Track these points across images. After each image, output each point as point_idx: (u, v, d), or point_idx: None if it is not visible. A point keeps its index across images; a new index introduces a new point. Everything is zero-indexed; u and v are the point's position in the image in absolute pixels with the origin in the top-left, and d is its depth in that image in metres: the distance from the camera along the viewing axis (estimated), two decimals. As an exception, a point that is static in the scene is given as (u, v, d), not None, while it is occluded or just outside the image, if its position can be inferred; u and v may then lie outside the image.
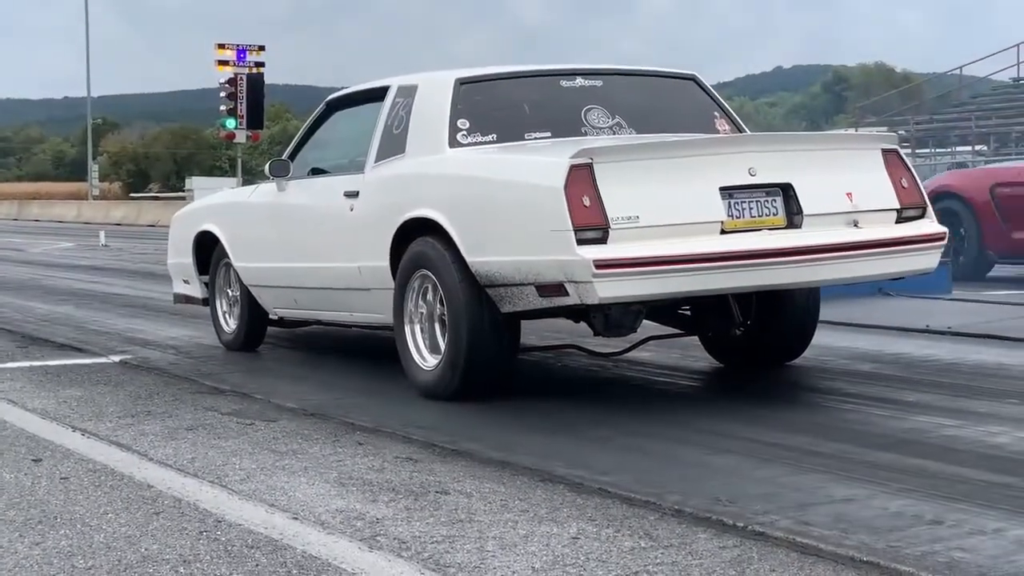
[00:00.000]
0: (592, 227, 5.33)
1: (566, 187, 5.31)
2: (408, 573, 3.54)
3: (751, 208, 5.71)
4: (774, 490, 4.35)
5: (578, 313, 6.10)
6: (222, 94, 38.18)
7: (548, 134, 6.49)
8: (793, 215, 5.79)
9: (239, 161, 42.46)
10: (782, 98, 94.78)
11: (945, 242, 6.22)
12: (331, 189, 7.10)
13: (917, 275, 6.33)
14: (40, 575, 3.57)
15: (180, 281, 9.04)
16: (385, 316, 6.61)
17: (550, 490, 4.45)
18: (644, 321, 6.24)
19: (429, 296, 6.23)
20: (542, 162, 5.84)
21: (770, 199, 5.76)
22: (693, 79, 7.16)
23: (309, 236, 7.37)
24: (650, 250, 5.37)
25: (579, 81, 6.82)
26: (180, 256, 8.87)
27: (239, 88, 37.70)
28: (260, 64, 38.53)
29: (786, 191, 5.78)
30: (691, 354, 7.53)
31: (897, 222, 6.07)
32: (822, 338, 7.48)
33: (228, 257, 8.20)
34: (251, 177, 47.83)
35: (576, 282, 5.32)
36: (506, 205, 5.75)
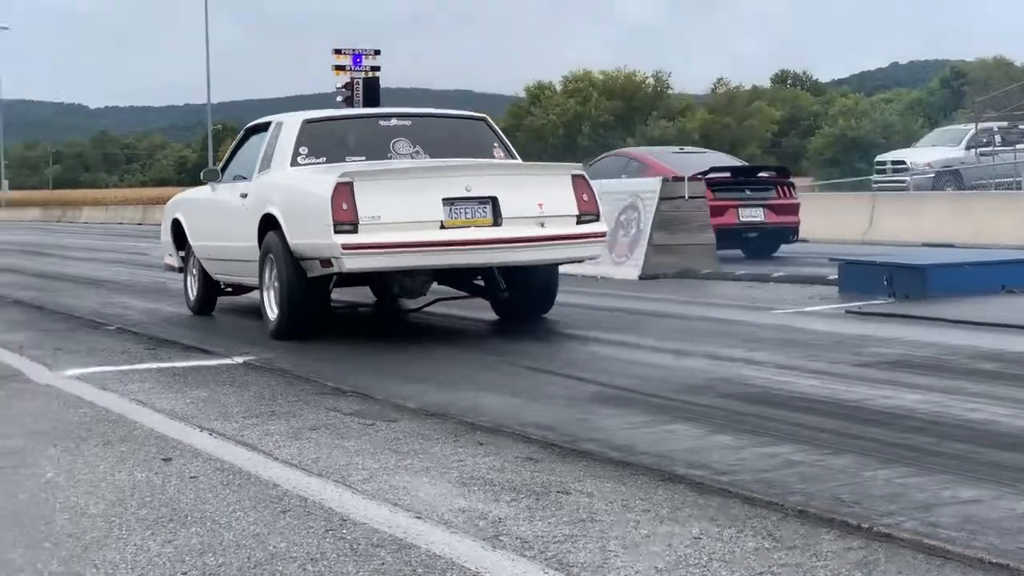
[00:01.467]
0: (346, 223, 8.03)
1: (332, 197, 8.05)
2: (531, 572, 3.55)
3: (466, 212, 8.31)
4: (898, 490, 4.28)
5: (377, 282, 9.38)
6: (338, 99, 38.57)
7: (363, 158, 9.19)
8: (497, 217, 8.36)
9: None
10: (898, 94, 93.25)
11: (606, 239, 9.01)
12: (235, 190, 9.88)
13: (586, 259, 9.36)
14: (172, 572, 3.64)
15: (167, 255, 11.92)
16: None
17: (671, 490, 4.44)
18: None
19: (274, 271, 8.81)
20: (323, 180, 8.36)
21: (481, 206, 8.33)
22: (484, 120, 9.93)
23: (226, 224, 9.97)
24: (383, 238, 8.05)
25: (393, 121, 9.55)
26: (164, 235, 11.83)
27: (355, 92, 38.08)
28: (376, 68, 38.90)
29: (494, 201, 8.36)
30: (792, 366, 7.44)
31: (577, 224, 8.67)
32: (944, 337, 7.37)
33: (187, 239, 10.97)
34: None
35: (336, 257, 8.06)
36: (305, 206, 8.45)
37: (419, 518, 4.15)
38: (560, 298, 9.92)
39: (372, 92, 38.59)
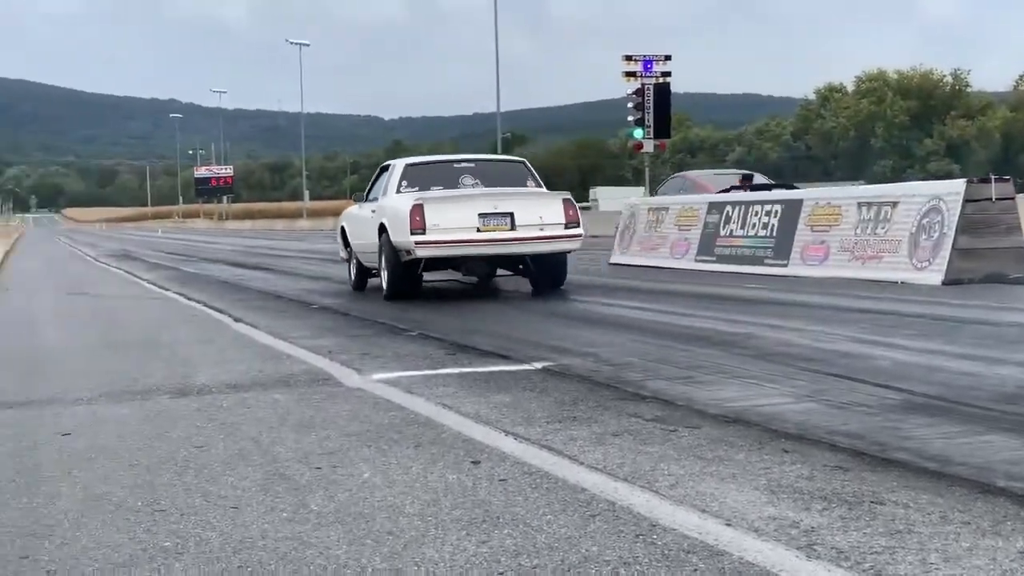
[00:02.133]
0: (418, 229, 12.72)
1: (410, 213, 12.63)
2: (848, 583, 3.49)
3: (493, 222, 12.93)
4: None
5: (452, 266, 14.07)
6: (629, 104, 38.82)
7: (441, 187, 14.00)
8: (512, 226, 12.93)
9: (646, 171, 42.91)
10: None
11: (580, 238, 13.51)
12: (368, 208, 14.83)
13: (570, 251, 13.73)
14: (490, 572, 3.74)
15: (340, 251, 16.93)
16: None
17: (991, 502, 4.28)
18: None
19: (384, 257, 13.64)
20: (407, 201, 13.08)
21: (503, 219, 12.87)
22: (522, 162, 15.04)
23: (365, 229, 14.71)
24: (440, 238, 12.71)
25: (462, 164, 14.63)
26: (338, 238, 16.91)
27: (646, 98, 38.23)
28: (667, 74, 38.96)
29: (511, 215, 12.93)
30: None
31: (564, 229, 13.18)
32: None
33: (348, 239, 16.10)
34: (656, 187, 48.31)
35: (412, 249, 12.72)
36: (397, 218, 13.06)
37: (729, 525, 4.14)
38: (857, 304, 9.72)
39: (663, 98, 38.63)
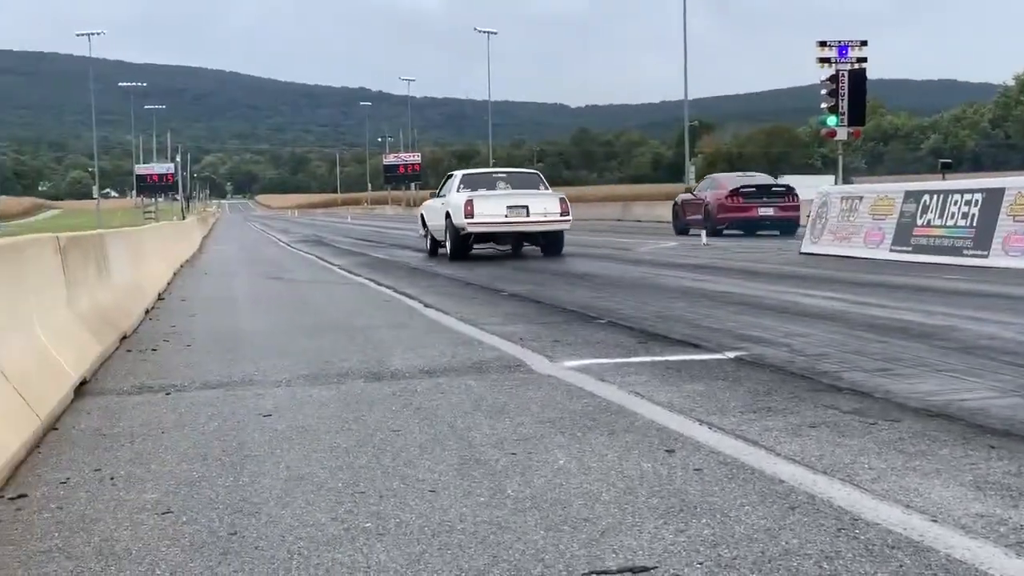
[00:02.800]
0: (468, 215, 21.24)
1: (463, 205, 21.22)
2: (1063, 585, 3.38)
3: (515, 212, 21.22)
4: None
5: (489, 241, 22.68)
6: (823, 91, 38.12)
7: (484, 190, 22.20)
8: (528, 214, 21.34)
9: (839, 159, 42.07)
10: None
11: (570, 222, 22.34)
12: (440, 201, 23.14)
13: (562, 230, 22.30)
14: (688, 562, 3.73)
15: (420, 231, 25.09)
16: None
17: None
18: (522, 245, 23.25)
19: (448, 233, 22.15)
20: (463, 198, 21.49)
21: (522, 209, 21.12)
22: (536, 173, 24.05)
23: (436, 215, 23.26)
24: (481, 221, 21.17)
25: (499, 174, 23.60)
26: (419, 222, 25.41)
27: (840, 85, 37.50)
28: (862, 60, 38.16)
29: (527, 207, 21.29)
30: None
31: (559, 217, 21.71)
32: None
33: (425, 221, 24.55)
34: (849, 175, 47.42)
35: (465, 227, 21.24)
36: (457, 208, 21.46)
37: (934, 521, 4.04)
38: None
39: (858, 84, 37.84)
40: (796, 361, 7.92)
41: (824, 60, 38.12)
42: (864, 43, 38.42)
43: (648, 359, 8.28)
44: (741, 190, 32.50)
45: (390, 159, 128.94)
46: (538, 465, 5.12)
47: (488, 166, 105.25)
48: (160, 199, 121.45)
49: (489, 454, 5.36)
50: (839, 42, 37.91)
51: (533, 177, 23.79)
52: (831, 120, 38.24)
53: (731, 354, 8.33)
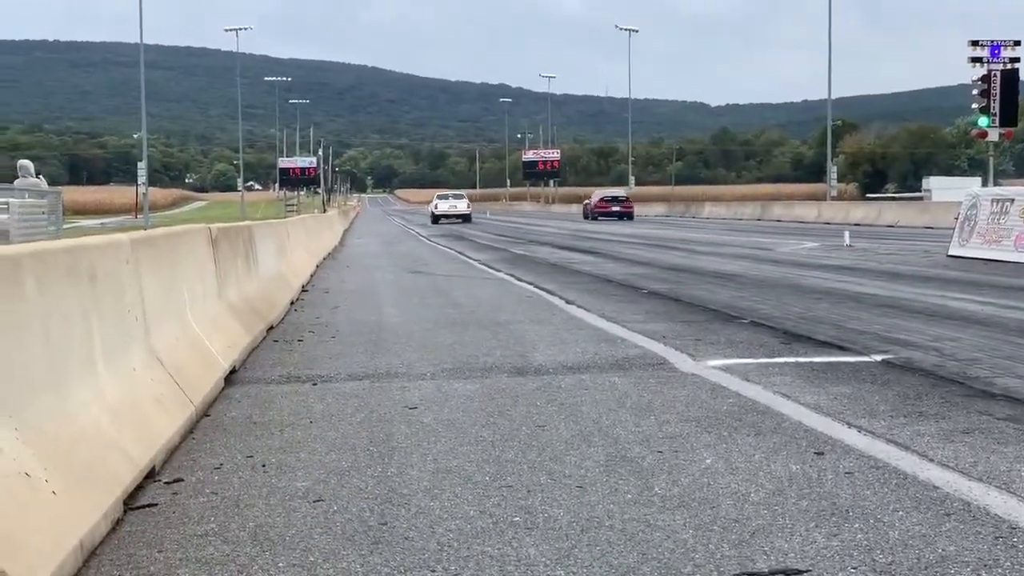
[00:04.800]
0: (434, 209, 64.34)
1: (435, 204, 65.43)
2: None
3: (453, 207, 63.72)
4: None
5: (445, 218, 63.94)
6: (974, 91, 37.32)
7: (449, 198, 66.41)
8: (459, 207, 64.63)
9: (989, 160, 41.09)
10: None
11: (471, 209, 65.88)
12: (434, 204, 67.90)
13: (467, 216, 63.55)
14: (842, 566, 3.68)
15: (431, 214, 64.53)
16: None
17: None
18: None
19: (431, 215, 65.49)
20: (435, 202, 65.85)
21: (457, 202, 64.52)
22: (464, 194, 70.09)
23: (432, 208, 66.42)
24: (441, 211, 63.64)
25: (450, 193, 69.78)
26: (430, 207, 67.00)
27: (992, 85, 36.68)
28: (1015, 60, 37.27)
29: (459, 205, 64.25)
30: None
31: (466, 208, 65.45)
32: None
33: (432, 210, 65.71)
34: (997, 178, 46.40)
35: (435, 212, 63.80)
36: (434, 205, 65.50)
37: (1097, 533, 3.92)
38: None
39: (1011, 84, 36.94)
40: (946, 365, 7.76)
41: (976, 60, 37.28)
42: (1017, 43, 37.50)
43: (792, 360, 8.19)
44: (602, 198, 65.73)
45: (529, 155, 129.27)
46: (685, 464, 5.09)
47: (627, 164, 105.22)
48: (302, 192, 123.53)
49: (635, 451, 5.35)
50: (991, 41, 37.04)
51: (462, 194, 65.79)
52: (982, 121, 37.38)
53: (878, 357, 8.19)
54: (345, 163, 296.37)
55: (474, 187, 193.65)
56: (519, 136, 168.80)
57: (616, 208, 63.09)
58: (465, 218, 61.81)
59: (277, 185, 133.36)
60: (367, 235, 44.59)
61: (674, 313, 11.58)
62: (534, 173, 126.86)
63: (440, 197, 65.13)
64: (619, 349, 8.92)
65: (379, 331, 10.64)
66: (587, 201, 67.53)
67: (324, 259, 24.20)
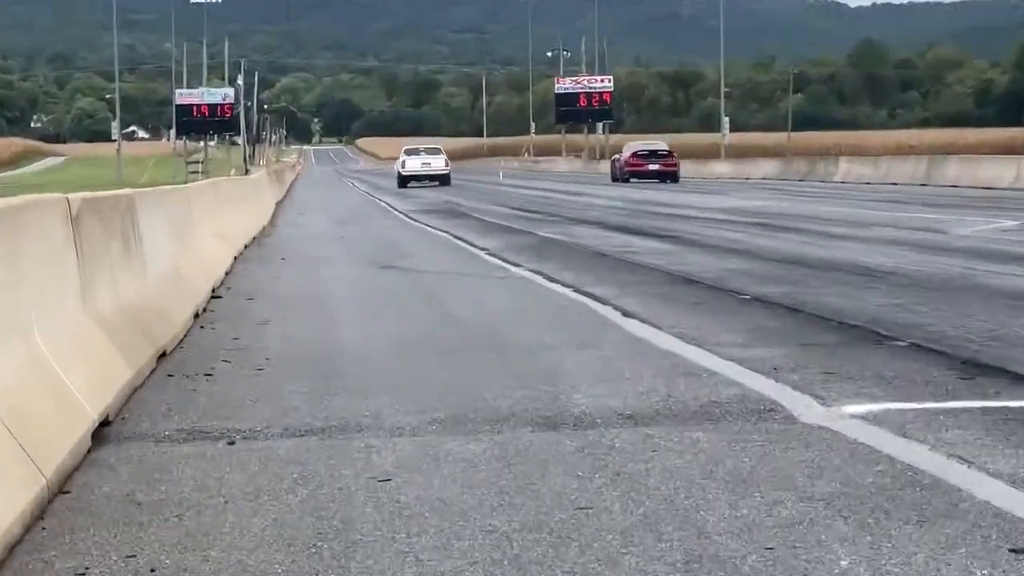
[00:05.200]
0: (403, 168, 78.99)
1: (402, 162, 79.62)
2: None
3: (426, 164, 77.74)
4: None
5: (414, 180, 79.01)
6: None
7: (418, 155, 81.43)
8: (434, 165, 79.20)
9: None
10: None
11: (450, 170, 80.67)
12: (401, 161, 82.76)
13: (446, 176, 78.23)
14: None
15: (398, 172, 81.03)
16: None
17: None
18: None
19: (400, 174, 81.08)
20: (403, 158, 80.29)
21: (431, 159, 77.85)
22: (439, 147, 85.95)
23: (398, 166, 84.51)
24: (409, 170, 77.75)
25: (421, 147, 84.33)
26: (396, 165, 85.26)
27: None
28: None
29: (434, 161, 78.14)
30: None
31: (445, 166, 79.66)
32: None
33: (398, 168, 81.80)
34: None
35: (401, 172, 78.68)
36: (401, 163, 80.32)
37: None
38: None
39: None
40: None
41: None
42: None
43: (977, 404, 8.20)
44: (635, 152, 75.88)
45: (565, 85, 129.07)
46: (809, 567, 5.11)
47: (718, 97, 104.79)
48: (212, 143, 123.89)
49: (729, 548, 5.36)
50: None
51: (438, 149, 79.74)
52: None
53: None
54: (279, 97, 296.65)
55: (480, 134, 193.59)
56: (548, 55, 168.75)
57: (654, 166, 70.70)
58: (442, 180, 74.76)
59: (173, 133, 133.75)
60: (314, 209, 44.87)
61: (791, 331, 11.60)
62: (572, 113, 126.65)
63: (409, 152, 78.44)
64: (705, 388, 8.94)
65: (333, 359, 10.68)
66: (616, 157, 78.76)
67: (247, 247, 24.30)
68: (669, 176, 69.97)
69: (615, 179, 73.62)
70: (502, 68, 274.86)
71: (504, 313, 13.55)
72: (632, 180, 70.44)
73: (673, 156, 72.60)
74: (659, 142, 79.99)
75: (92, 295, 9.07)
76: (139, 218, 11.85)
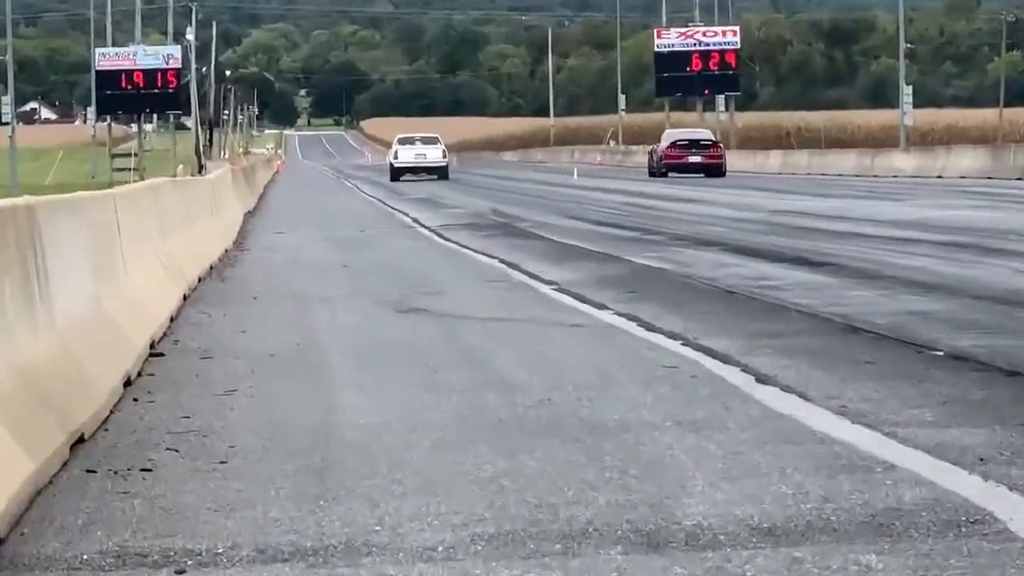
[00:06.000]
0: (396, 158, 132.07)
1: (395, 152, 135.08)
2: None
3: (422, 156, 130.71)
4: None
5: (410, 173, 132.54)
6: None
7: (412, 144, 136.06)
8: (428, 157, 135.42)
9: None
10: None
11: (447, 162, 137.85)
12: (393, 152, 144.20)
13: (442, 168, 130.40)
14: None
15: (390, 161, 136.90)
16: None
17: None
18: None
19: (393, 167, 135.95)
20: (396, 148, 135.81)
21: (426, 148, 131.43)
22: (437, 137, 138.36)
23: (391, 157, 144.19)
24: (402, 161, 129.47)
25: (416, 136, 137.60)
26: (389, 157, 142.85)
27: None
28: None
29: (429, 152, 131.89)
30: None
31: (442, 158, 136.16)
32: None
33: (390, 159, 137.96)
34: None
35: (394, 163, 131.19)
36: (393, 153, 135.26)
37: None
38: None
39: None
40: None
41: None
42: None
43: None
44: (674, 143, 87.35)
45: (669, 39, 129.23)
46: None
47: (896, 57, 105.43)
48: (149, 126, 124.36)
49: None
50: None
51: (435, 138, 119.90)
52: None
53: None
54: (248, 59, 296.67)
55: (544, 113, 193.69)
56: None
57: (695, 158, 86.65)
58: (440, 173, 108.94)
59: (92, 112, 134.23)
60: (301, 223, 44.99)
61: (1002, 402, 11.61)
62: (680, 81, 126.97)
63: (402, 141, 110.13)
64: (880, 489, 8.93)
65: (329, 447, 10.71)
66: (653, 148, 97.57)
67: (201, 281, 24.32)
68: (713, 169, 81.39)
69: (652, 173, 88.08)
70: (578, 15, 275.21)
71: (582, 379, 13.55)
72: (671, 174, 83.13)
73: (718, 147, 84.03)
74: (702, 130, 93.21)
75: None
76: (44, 240, 11.86)
